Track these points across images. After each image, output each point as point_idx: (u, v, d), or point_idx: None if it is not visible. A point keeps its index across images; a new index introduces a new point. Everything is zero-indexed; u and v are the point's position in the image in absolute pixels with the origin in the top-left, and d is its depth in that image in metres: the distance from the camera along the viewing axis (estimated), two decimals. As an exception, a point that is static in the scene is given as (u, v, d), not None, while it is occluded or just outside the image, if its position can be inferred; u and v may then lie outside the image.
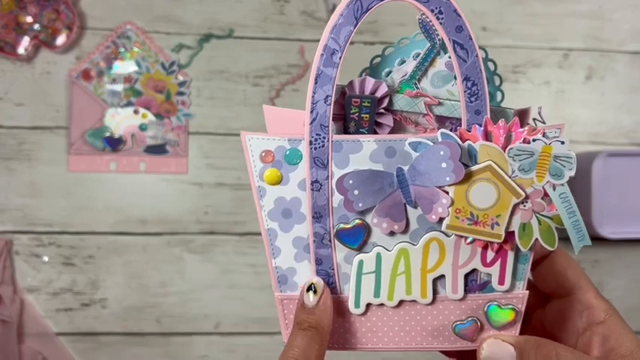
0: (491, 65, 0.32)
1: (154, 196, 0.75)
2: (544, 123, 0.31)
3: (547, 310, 0.34)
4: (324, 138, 0.29)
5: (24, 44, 0.73)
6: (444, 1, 0.28)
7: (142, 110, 0.75)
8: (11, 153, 0.74)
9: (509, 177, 0.29)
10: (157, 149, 0.75)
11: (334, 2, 0.77)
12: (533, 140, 0.29)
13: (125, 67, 0.75)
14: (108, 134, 0.75)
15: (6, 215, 0.74)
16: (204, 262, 0.74)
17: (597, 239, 0.74)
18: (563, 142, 0.29)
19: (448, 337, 0.31)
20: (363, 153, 0.29)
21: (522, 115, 0.32)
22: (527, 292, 0.31)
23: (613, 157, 0.75)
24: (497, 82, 0.32)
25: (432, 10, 0.28)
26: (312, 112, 0.29)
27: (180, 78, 0.76)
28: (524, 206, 0.29)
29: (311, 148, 0.29)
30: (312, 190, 0.30)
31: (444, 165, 0.28)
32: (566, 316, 0.32)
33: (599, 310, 0.32)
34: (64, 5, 0.73)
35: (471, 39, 0.28)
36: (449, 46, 0.28)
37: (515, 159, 0.29)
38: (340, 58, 0.28)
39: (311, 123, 0.29)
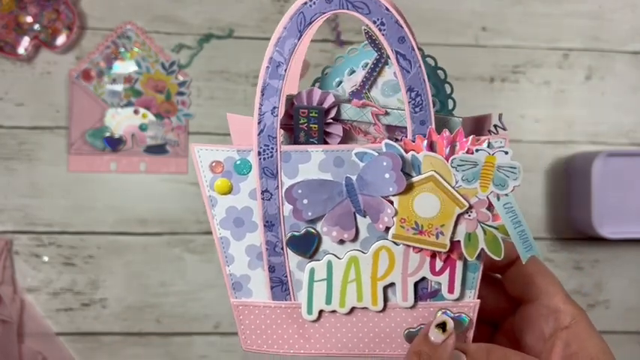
0: (441, 74, 0.32)
1: (154, 196, 0.75)
2: (505, 130, 0.31)
3: (516, 315, 0.34)
4: (273, 148, 0.29)
5: (24, 44, 0.73)
6: (385, 12, 0.28)
7: (142, 110, 0.75)
8: (11, 153, 0.74)
9: (453, 187, 0.29)
10: (157, 149, 0.75)
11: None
12: (477, 150, 0.28)
13: (125, 67, 0.75)
14: (108, 134, 0.75)
15: (6, 215, 0.74)
16: (204, 262, 0.74)
17: (597, 239, 0.74)
18: (507, 153, 0.28)
19: (400, 343, 0.32)
20: (312, 163, 0.30)
21: (483, 121, 0.31)
22: (479, 300, 0.31)
23: (613, 157, 0.75)
24: (448, 90, 0.32)
25: (374, 22, 0.28)
26: (259, 123, 0.29)
27: (180, 78, 0.76)
28: (469, 216, 0.29)
29: (260, 159, 0.30)
30: (263, 199, 0.30)
31: (387, 175, 0.28)
32: (534, 321, 0.32)
33: (565, 315, 0.31)
34: (64, 5, 0.73)
35: (414, 50, 0.27)
36: (392, 57, 0.28)
37: (459, 169, 0.28)
38: (285, 71, 0.28)
39: (259, 134, 0.29)
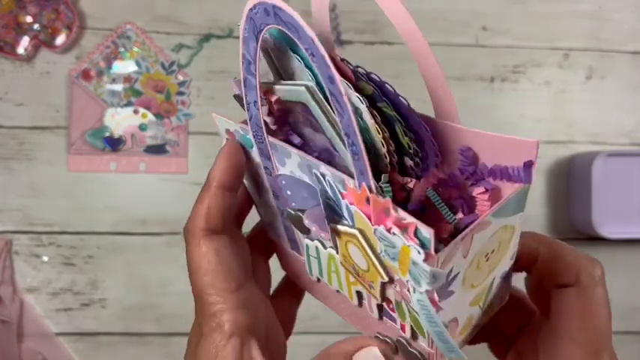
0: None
1: (153, 196, 0.75)
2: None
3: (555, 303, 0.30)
4: (262, 137, 0.28)
5: (24, 44, 0.73)
6: (311, 43, 0.23)
7: (141, 110, 0.75)
8: (11, 153, 0.74)
9: (377, 255, 0.25)
10: (157, 149, 0.75)
11: (334, 2, 0.77)
12: (393, 233, 0.23)
13: (125, 67, 0.75)
14: (108, 134, 0.75)
15: (6, 215, 0.74)
16: (204, 262, 0.74)
17: (597, 239, 0.74)
18: (419, 252, 0.22)
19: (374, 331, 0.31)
20: (293, 161, 0.28)
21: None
22: (433, 351, 0.27)
23: (613, 157, 0.75)
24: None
25: (306, 49, 0.23)
26: (248, 111, 0.28)
27: (180, 78, 0.76)
28: (395, 287, 0.25)
29: (255, 141, 0.29)
30: (265, 173, 0.30)
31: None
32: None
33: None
34: (64, 5, 0.73)
35: (342, 94, 0.22)
36: (328, 94, 0.23)
37: (381, 241, 0.24)
38: (255, 70, 0.26)
39: (250, 120, 0.29)
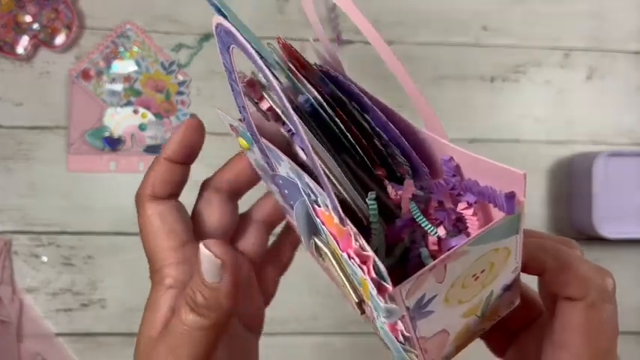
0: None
1: (153, 196, 0.75)
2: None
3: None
4: (257, 137, 0.28)
5: (23, 44, 0.73)
6: (263, 69, 0.21)
7: (141, 110, 0.75)
8: (10, 153, 0.74)
9: (346, 276, 0.24)
10: (157, 149, 0.75)
11: (334, 2, 0.77)
12: (354, 263, 0.22)
13: (124, 66, 0.75)
14: (107, 134, 0.74)
15: (5, 215, 0.73)
16: (204, 262, 0.74)
17: (598, 239, 0.74)
18: (373, 288, 0.21)
19: None
20: (284, 166, 0.27)
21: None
22: None
23: (613, 157, 0.74)
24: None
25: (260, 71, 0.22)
26: (240, 113, 0.29)
27: (180, 78, 0.76)
28: (366, 306, 0.25)
29: (253, 140, 0.29)
30: (269, 169, 0.30)
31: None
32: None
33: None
34: (64, 5, 0.73)
35: (297, 125, 0.21)
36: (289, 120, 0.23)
37: (348, 266, 0.23)
38: (236, 78, 0.26)
39: (244, 121, 0.29)
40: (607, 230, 0.73)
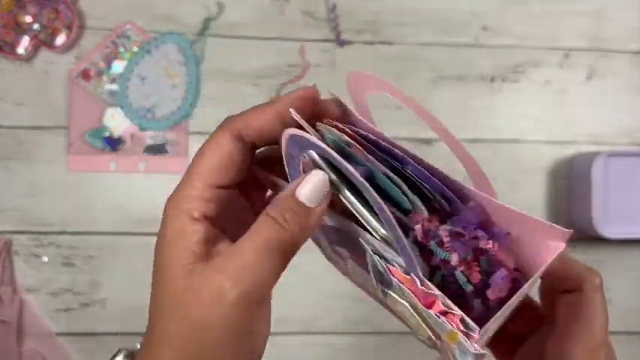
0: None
1: (153, 196, 0.75)
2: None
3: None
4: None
5: (23, 44, 0.73)
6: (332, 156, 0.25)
7: (141, 110, 0.75)
8: (10, 153, 0.74)
9: (425, 322, 0.27)
10: (157, 149, 0.75)
11: (334, 2, 0.77)
12: (438, 318, 0.26)
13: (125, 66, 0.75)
14: (107, 134, 0.74)
15: (5, 215, 0.73)
16: (204, 262, 0.74)
17: (598, 239, 0.74)
18: (465, 341, 0.25)
19: None
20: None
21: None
22: None
23: (613, 157, 0.74)
24: None
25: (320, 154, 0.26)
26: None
27: (180, 78, 0.76)
28: (442, 341, 0.28)
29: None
30: None
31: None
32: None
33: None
34: (64, 5, 0.73)
35: (380, 205, 0.25)
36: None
37: (430, 319, 0.26)
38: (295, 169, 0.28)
39: None
40: (607, 230, 0.73)
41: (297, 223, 0.25)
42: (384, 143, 0.26)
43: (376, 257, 0.27)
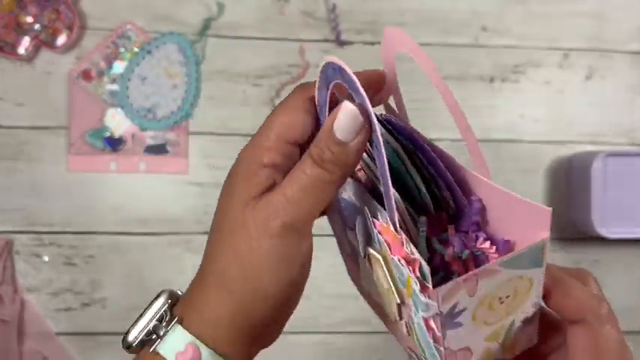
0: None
1: (154, 196, 0.75)
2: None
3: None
4: None
5: (24, 44, 0.73)
6: (364, 99, 0.25)
7: (142, 110, 0.75)
8: (11, 153, 0.74)
9: (393, 278, 0.28)
10: (157, 149, 0.75)
11: (334, 2, 0.77)
12: (402, 264, 0.26)
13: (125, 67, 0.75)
14: (108, 134, 0.75)
15: (6, 215, 0.74)
16: (205, 261, 0.74)
17: (597, 239, 0.74)
18: (417, 284, 0.25)
19: None
20: (349, 188, 0.32)
21: None
22: None
23: (613, 157, 0.75)
24: None
25: (358, 100, 0.26)
26: None
27: (181, 78, 0.76)
28: (406, 309, 0.28)
29: None
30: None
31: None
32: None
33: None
34: (65, 5, 0.73)
35: (380, 143, 0.26)
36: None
37: (396, 268, 0.27)
38: (325, 115, 0.28)
39: None
40: (606, 230, 0.73)
41: (334, 162, 0.27)
42: (403, 124, 0.29)
43: (366, 214, 0.29)
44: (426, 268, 0.25)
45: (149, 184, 0.75)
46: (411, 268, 0.25)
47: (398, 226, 0.26)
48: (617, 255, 0.79)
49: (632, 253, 0.79)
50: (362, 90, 0.25)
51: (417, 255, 0.25)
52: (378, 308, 0.34)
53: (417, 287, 0.25)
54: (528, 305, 0.29)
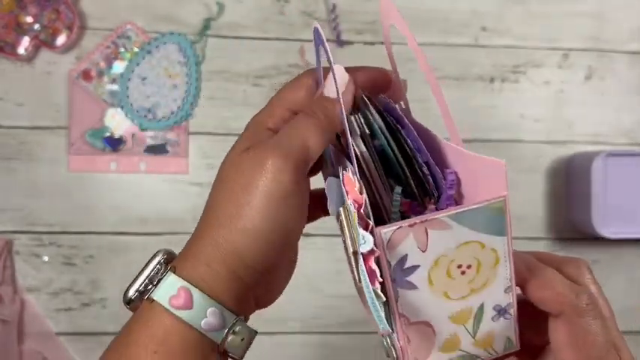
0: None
1: (154, 196, 0.75)
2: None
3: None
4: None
5: (24, 44, 0.73)
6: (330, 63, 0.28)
7: (142, 110, 0.75)
8: (11, 153, 0.74)
9: (349, 224, 0.28)
10: (157, 149, 0.75)
11: (334, 2, 0.77)
12: (353, 206, 0.27)
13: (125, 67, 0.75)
14: (108, 134, 0.75)
15: (6, 215, 0.74)
16: (205, 262, 0.74)
17: (597, 239, 0.74)
18: (353, 209, 0.27)
19: None
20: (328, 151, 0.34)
21: None
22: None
23: (613, 157, 0.75)
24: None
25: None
26: None
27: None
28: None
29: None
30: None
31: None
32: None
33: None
34: (65, 5, 0.73)
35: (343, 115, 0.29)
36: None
37: (349, 212, 0.28)
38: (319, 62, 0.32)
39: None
40: (606, 230, 0.73)
41: (322, 111, 0.30)
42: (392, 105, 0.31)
43: (340, 174, 0.30)
44: (369, 208, 0.26)
45: (149, 184, 0.75)
46: (357, 205, 0.26)
47: (357, 171, 0.27)
48: (617, 255, 0.79)
49: (632, 253, 0.79)
50: (327, 46, 0.28)
51: (364, 195, 0.26)
52: (361, 293, 0.33)
53: (357, 217, 0.26)
54: (498, 289, 0.28)
